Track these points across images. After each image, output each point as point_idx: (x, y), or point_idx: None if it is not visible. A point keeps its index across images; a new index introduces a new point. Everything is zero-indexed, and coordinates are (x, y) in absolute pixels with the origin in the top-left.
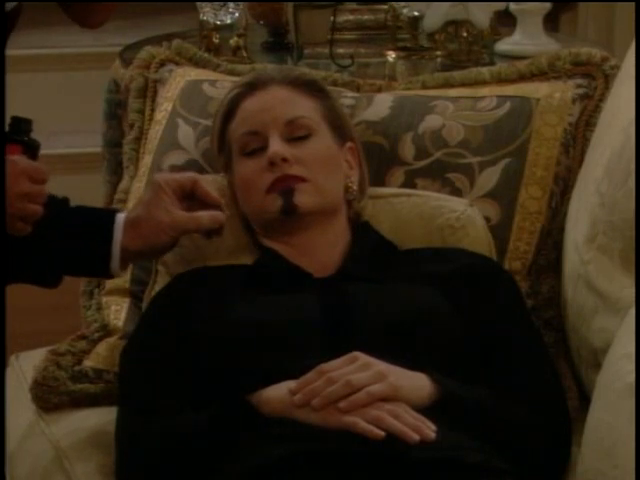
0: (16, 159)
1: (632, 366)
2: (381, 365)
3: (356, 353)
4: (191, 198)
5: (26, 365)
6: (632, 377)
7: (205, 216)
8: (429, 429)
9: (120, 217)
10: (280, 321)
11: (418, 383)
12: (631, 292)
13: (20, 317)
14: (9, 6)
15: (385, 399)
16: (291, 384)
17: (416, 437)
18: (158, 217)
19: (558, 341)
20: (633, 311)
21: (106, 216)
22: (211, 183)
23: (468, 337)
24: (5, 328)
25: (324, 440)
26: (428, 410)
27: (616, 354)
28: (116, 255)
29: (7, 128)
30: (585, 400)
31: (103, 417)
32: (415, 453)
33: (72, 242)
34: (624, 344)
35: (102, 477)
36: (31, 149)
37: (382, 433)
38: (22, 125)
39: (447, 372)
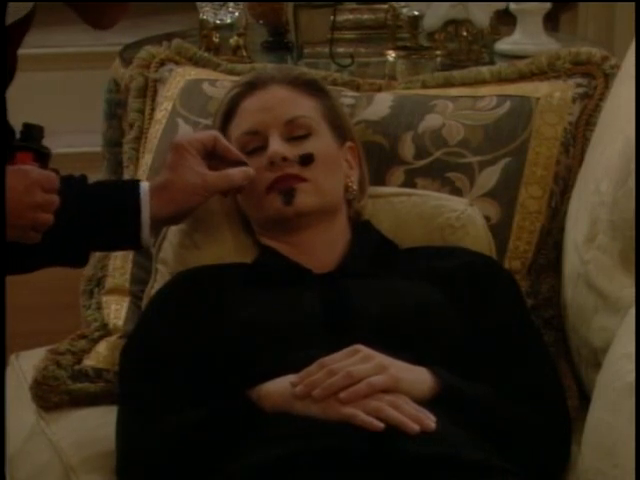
0: (28, 169)
1: (632, 366)
2: (382, 357)
3: (357, 346)
4: (211, 156)
5: (26, 364)
6: (632, 377)
7: (236, 173)
8: (429, 419)
9: (145, 185)
10: (280, 317)
11: (419, 376)
12: (631, 292)
13: (20, 316)
14: (23, 12)
15: (386, 391)
16: (292, 377)
17: (416, 427)
18: (189, 179)
19: (558, 340)
20: (633, 311)
21: (130, 187)
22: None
23: (468, 335)
24: (5, 327)
25: (324, 438)
26: (428, 404)
27: (616, 354)
28: (146, 224)
29: (18, 135)
30: (585, 399)
31: (103, 416)
32: (415, 448)
33: (99, 218)
34: (624, 344)
35: (102, 476)
36: (42, 157)
37: (382, 425)
38: (34, 132)
39: (447, 369)
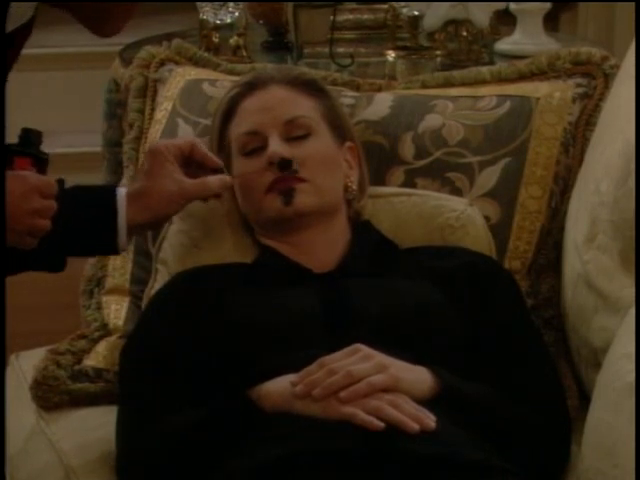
0: (26, 175)
1: (632, 366)
2: (382, 357)
3: (358, 345)
4: (188, 163)
5: (26, 364)
6: (632, 376)
7: (214, 181)
8: (429, 419)
9: (122, 191)
10: (280, 316)
11: (419, 376)
12: (631, 291)
13: (20, 316)
14: (24, 19)
15: (386, 390)
16: (292, 377)
17: (416, 427)
18: (165, 186)
19: (558, 340)
20: (633, 310)
21: (107, 192)
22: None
23: (468, 335)
24: (5, 327)
25: (324, 437)
26: (428, 404)
27: (616, 354)
28: (122, 230)
29: (17, 140)
30: (585, 399)
31: (103, 416)
32: (414, 448)
33: (75, 223)
34: (624, 344)
35: (102, 476)
36: (40, 162)
37: (382, 424)
38: (32, 137)
39: (447, 369)
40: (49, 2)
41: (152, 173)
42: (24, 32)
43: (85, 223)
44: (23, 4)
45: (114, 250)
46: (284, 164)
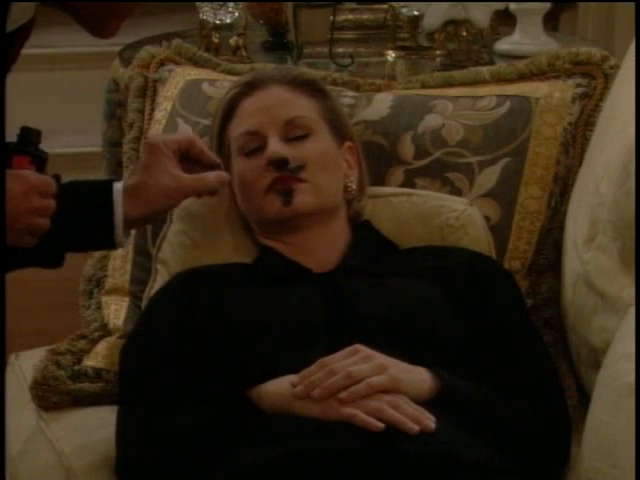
0: (26, 174)
1: (632, 366)
2: (382, 358)
3: (357, 346)
4: (186, 159)
5: (26, 364)
6: (632, 377)
7: (212, 176)
8: (429, 420)
9: (118, 186)
10: (280, 316)
11: (419, 377)
12: (631, 291)
13: (20, 316)
14: (23, 20)
15: (385, 391)
16: (292, 377)
17: (416, 427)
18: (163, 182)
19: (558, 340)
20: (633, 310)
21: (103, 187)
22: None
23: (467, 335)
24: (5, 327)
25: (324, 438)
26: (428, 404)
27: (616, 354)
28: (119, 225)
29: (16, 138)
30: (585, 399)
31: (103, 416)
32: (414, 448)
33: (72, 218)
34: (624, 344)
35: (102, 476)
36: (39, 161)
37: (381, 425)
38: (31, 136)
39: (446, 368)
40: (48, 3)
41: (149, 167)
42: (23, 33)
43: (82, 218)
44: (23, 5)
45: (111, 245)
46: (279, 162)
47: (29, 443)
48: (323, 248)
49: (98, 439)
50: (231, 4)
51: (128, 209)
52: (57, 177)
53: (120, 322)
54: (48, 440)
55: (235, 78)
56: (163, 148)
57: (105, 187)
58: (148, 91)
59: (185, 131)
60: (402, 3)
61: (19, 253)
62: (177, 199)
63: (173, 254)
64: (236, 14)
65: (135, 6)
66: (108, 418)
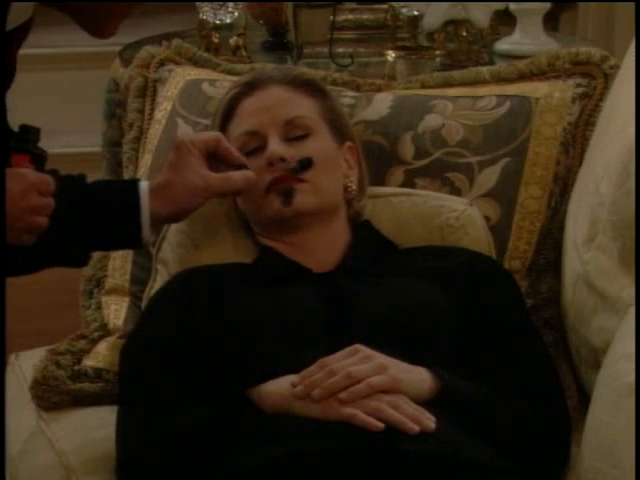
0: (25, 172)
1: (632, 366)
2: (382, 358)
3: (357, 346)
4: (212, 157)
5: (26, 364)
6: (632, 377)
7: (239, 176)
8: (429, 420)
9: (144, 185)
10: (280, 316)
11: (419, 377)
12: (631, 291)
13: (20, 316)
14: (22, 19)
15: (385, 391)
16: (292, 378)
17: (416, 428)
18: (191, 181)
19: (558, 340)
20: (633, 310)
21: (129, 186)
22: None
23: (467, 335)
24: (5, 327)
25: (324, 438)
26: (428, 404)
27: (616, 354)
28: (146, 224)
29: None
30: (585, 399)
31: (103, 416)
32: (414, 448)
33: (99, 218)
34: (624, 344)
35: (102, 476)
36: (38, 159)
37: (381, 425)
38: (30, 134)
39: (446, 368)
40: (47, 2)
41: (176, 166)
42: (21, 33)
43: (109, 218)
44: (21, 5)
45: (138, 244)
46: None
47: (29, 443)
48: (323, 248)
49: (98, 439)
50: (231, 4)
51: (155, 208)
52: (55, 172)
53: (120, 322)
54: (48, 440)
55: (235, 78)
56: (190, 147)
57: (131, 186)
58: (148, 91)
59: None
60: (402, 3)
61: (45, 252)
62: (204, 197)
63: (173, 254)
64: (236, 14)
65: (133, 6)
66: (108, 418)
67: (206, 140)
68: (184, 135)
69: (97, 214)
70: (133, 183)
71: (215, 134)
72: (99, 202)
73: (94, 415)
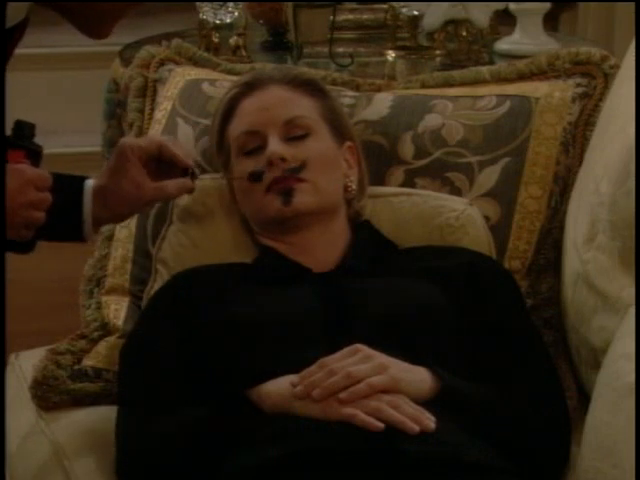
0: (22, 167)
1: (632, 366)
2: (382, 357)
3: (358, 345)
4: (158, 162)
5: (26, 364)
6: (632, 376)
7: (172, 185)
8: (429, 420)
9: (89, 184)
10: (280, 316)
11: (419, 376)
12: (631, 291)
13: (20, 316)
14: (17, 19)
15: (385, 391)
16: (292, 378)
17: (416, 428)
18: (124, 189)
19: (557, 340)
20: (633, 310)
21: (75, 183)
22: (177, 143)
23: (467, 335)
24: (5, 327)
25: (324, 438)
26: (428, 404)
27: (616, 353)
28: (87, 220)
29: (10, 132)
30: (585, 399)
31: (103, 416)
32: (414, 448)
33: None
34: (624, 343)
35: (102, 476)
36: (34, 155)
37: (381, 425)
38: (25, 130)
39: (446, 368)
40: (41, 3)
41: (114, 172)
42: (17, 33)
43: (54, 211)
44: (16, 4)
45: (81, 239)
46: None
47: (29, 443)
48: (323, 248)
49: (98, 439)
50: (231, 4)
51: (95, 209)
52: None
53: (120, 322)
54: (48, 440)
55: (235, 78)
56: (129, 154)
57: (77, 183)
58: (148, 91)
59: (186, 135)
60: (402, 3)
61: None
62: (138, 206)
63: (173, 254)
64: (236, 14)
65: (127, 8)
66: (108, 418)
67: (145, 147)
68: (126, 140)
69: None
70: (80, 180)
71: (157, 140)
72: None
73: (94, 415)
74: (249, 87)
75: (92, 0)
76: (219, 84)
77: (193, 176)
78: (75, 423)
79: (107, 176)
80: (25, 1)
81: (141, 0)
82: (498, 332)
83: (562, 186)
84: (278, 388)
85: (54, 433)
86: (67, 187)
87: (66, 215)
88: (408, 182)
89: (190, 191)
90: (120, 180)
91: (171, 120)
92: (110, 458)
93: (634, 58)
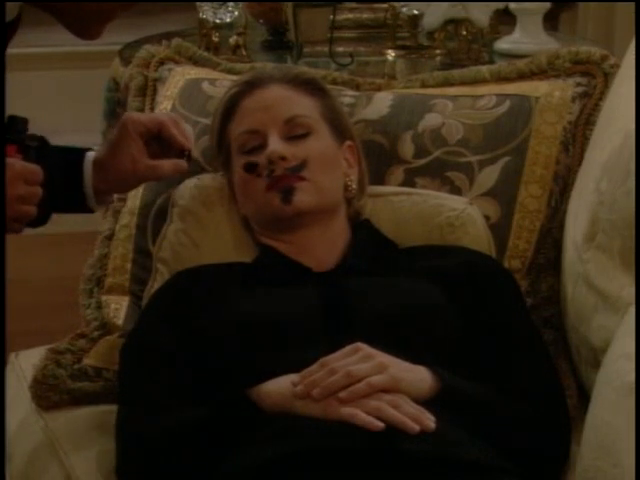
0: (11, 162)
1: (632, 365)
2: (383, 357)
3: (358, 344)
4: (159, 140)
5: (26, 363)
6: (632, 376)
7: (167, 166)
8: (429, 419)
9: (89, 157)
10: (280, 315)
11: (419, 376)
12: (631, 291)
13: (20, 315)
14: (9, 18)
15: (385, 390)
16: (292, 377)
17: (416, 427)
18: (122, 164)
19: (557, 340)
20: (633, 310)
21: (77, 155)
22: (179, 124)
23: (467, 335)
24: (5, 326)
25: (324, 437)
26: (428, 404)
27: (615, 353)
28: (89, 192)
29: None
30: (584, 399)
31: (103, 415)
32: (414, 448)
33: (53, 180)
34: (624, 343)
35: (102, 475)
36: (26, 149)
37: (381, 424)
38: (18, 124)
39: (446, 368)
40: (31, 3)
41: (114, 146)
42: (9, 32)
43: (60, 181)
44: (8, 4)
45: (87, 210)
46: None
47: (29, 442)
48: (323, 247)
49: (98, 438)
50: (231, 3)
51: (95, 182)
52: (38, 138)
53: (120, 321)
54: (48, 439)
55: (235, 77)
56: (130, 128)
57: (79, 155)
58: (148, 90)
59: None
60: (402, 2)
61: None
62: (132, 183)
63: (173, 253)
64: (236, 13)
65: (117, 8)
66: (108, 417)
67: (147, 123)
68: (129, 115)
69: (51, 176)
70: (81, 153)
71: (160, 119)
72: (54, 165)
73: (94, 414)
74: (249, 86)
75: (81, 0)
76: (219, 83)
77: (189, 158)
78: (75, 422)
79: (107, 150)
80: (15, 1)
81: (132, 0)
82: (498, 331)
83: (562, 185)
84: (278, 387)
85: (54, 432)
86: (71, 159)
87: (68, 186)
88: (408, 181)
89: (184, 172)
90: (118, 153)
91: None
92: (110, 457)
93: (634, 57)
